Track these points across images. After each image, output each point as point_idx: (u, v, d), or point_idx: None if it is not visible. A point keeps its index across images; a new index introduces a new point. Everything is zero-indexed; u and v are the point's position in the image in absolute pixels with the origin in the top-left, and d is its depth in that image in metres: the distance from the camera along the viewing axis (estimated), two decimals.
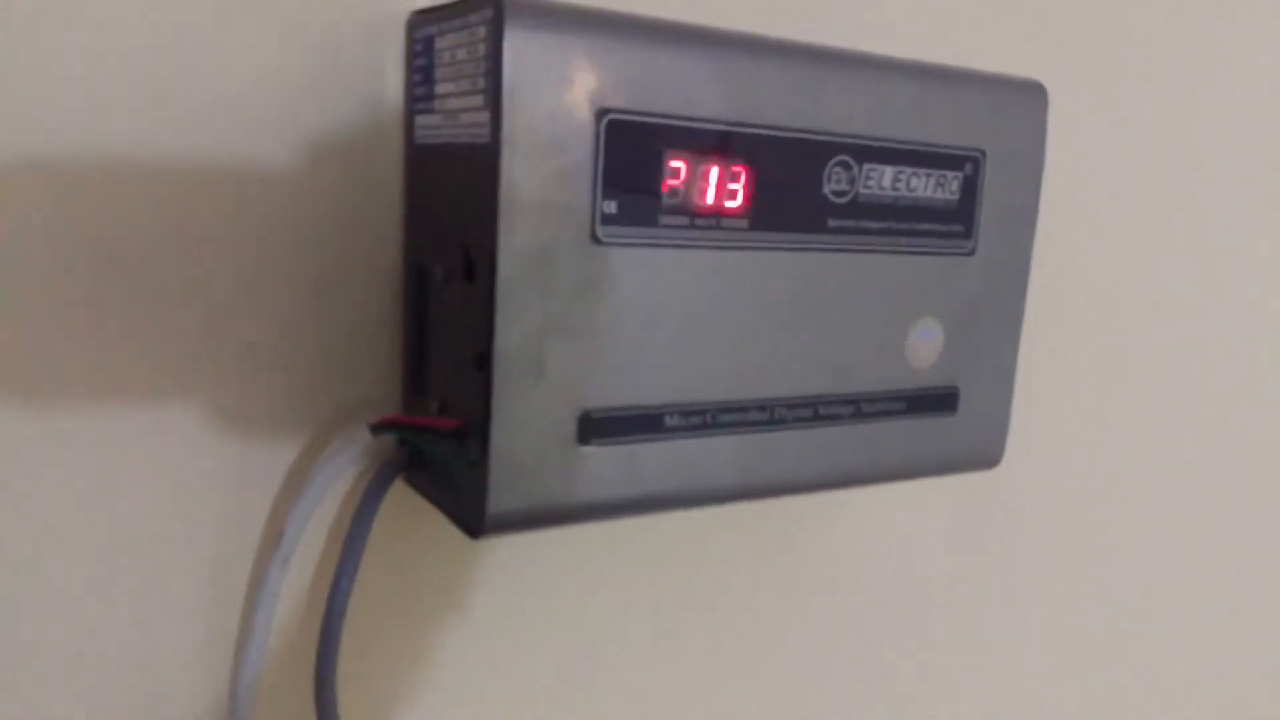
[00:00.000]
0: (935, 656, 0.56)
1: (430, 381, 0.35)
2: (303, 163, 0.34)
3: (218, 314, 0.34)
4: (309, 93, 0.34)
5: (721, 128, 0.33)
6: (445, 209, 0.33)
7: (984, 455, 0.43)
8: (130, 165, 0.32)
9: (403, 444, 0.36)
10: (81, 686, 0.34)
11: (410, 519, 0.38)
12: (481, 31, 0.30)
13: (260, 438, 0.35)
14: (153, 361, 0.33)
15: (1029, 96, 0.41)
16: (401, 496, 0.37)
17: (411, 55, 0.35)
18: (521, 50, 0.29)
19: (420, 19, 0.34)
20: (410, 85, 0.35)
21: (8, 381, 0.31)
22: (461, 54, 0.31)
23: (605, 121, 0.31)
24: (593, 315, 0.32)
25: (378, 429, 0.34)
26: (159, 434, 0.34)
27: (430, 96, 0.33)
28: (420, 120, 0.34)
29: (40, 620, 0.33)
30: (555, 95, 0.30)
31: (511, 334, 0.31)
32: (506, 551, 0.40)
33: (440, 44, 0.32)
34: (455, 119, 0.32)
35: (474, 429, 0.32)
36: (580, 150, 0.31)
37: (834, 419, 0.38)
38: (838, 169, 0.36)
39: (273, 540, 0.35)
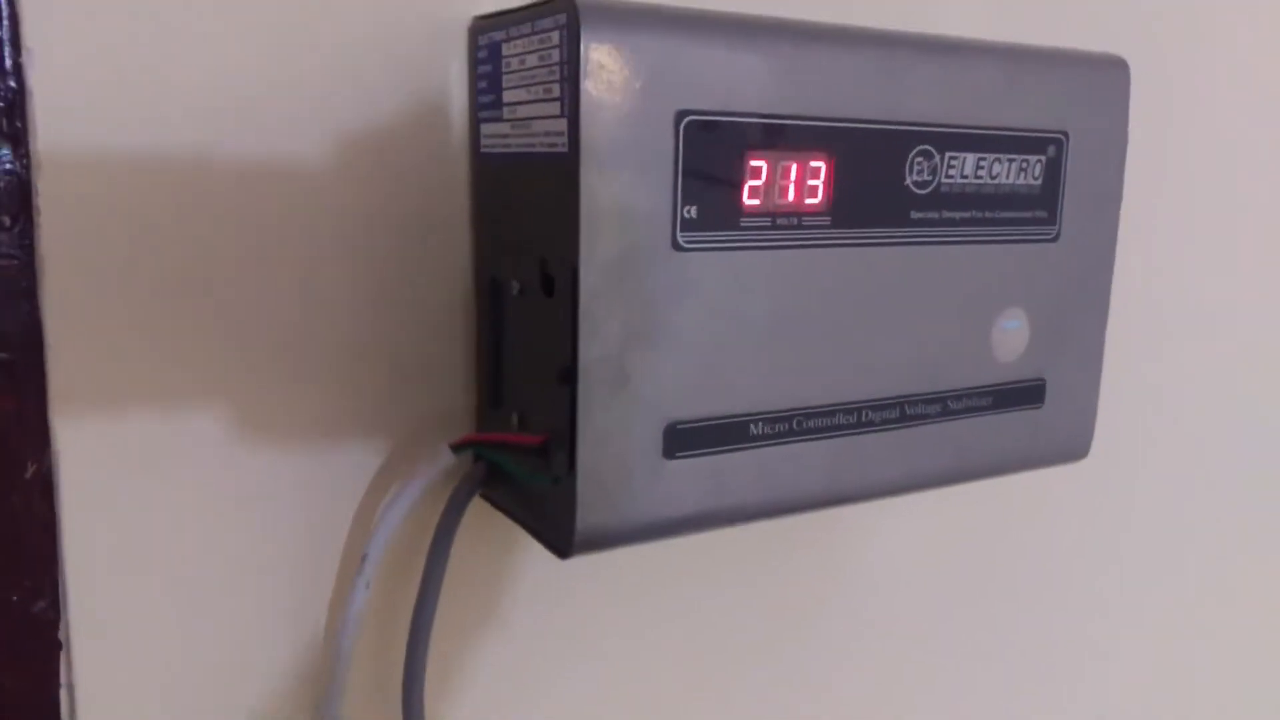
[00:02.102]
0: (992, 666, 0.55)
1: (507, 395, 0.34)
2: (366, 176, 0.33)
3: (288, 331, 0.33)
4: (371, 103, 0.33)
5: (801, 123, 0.32)
6: (519, 221, 0.32)
7: (1071, 448, 0.42)
8: (196, 180, 0.31)
9: (479, 459, 0.35)
10: (167, 701, 0.34)
11: (488, 534, 0.37)
12: (555, 37, 0.29)
13: (334, 453, 0.35)
14: (229, 382, 0.33)
15: (1111, 73, 0.39)
16: (478, 509, 0.36)
17: (476, 62, 0.34)
18: (598, 55, 0.28)
19: (484, 24, 0.33)
20: (475, 93, 0.34)
21: (102, 402, 0.31)
22: (532, 60, 0.30)
23: (685, 124, 0.30)
24: (675, 323, 0.31)
25: (459, 448, 0.33)
26: (233, 452, 0.33)
27: (498, 104, 0.32)
28: (487, 129, 0.33)
29: (132, 634, 0.33)
30: (634, 100, 0.29)
31: (595, 347, 0.30)
32: (589, 565, 0.40)
33: (508, 50, 0.31)
34: (527, 128, 0.31)
35: (558, 444, 0.31)
36: (660, 155, 0.30)
37: (921, 418, 0.37)
38: (920, 159, 0.35)
39: (354, 562, 0.35)
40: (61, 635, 0.35)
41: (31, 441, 0.34)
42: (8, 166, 0.32)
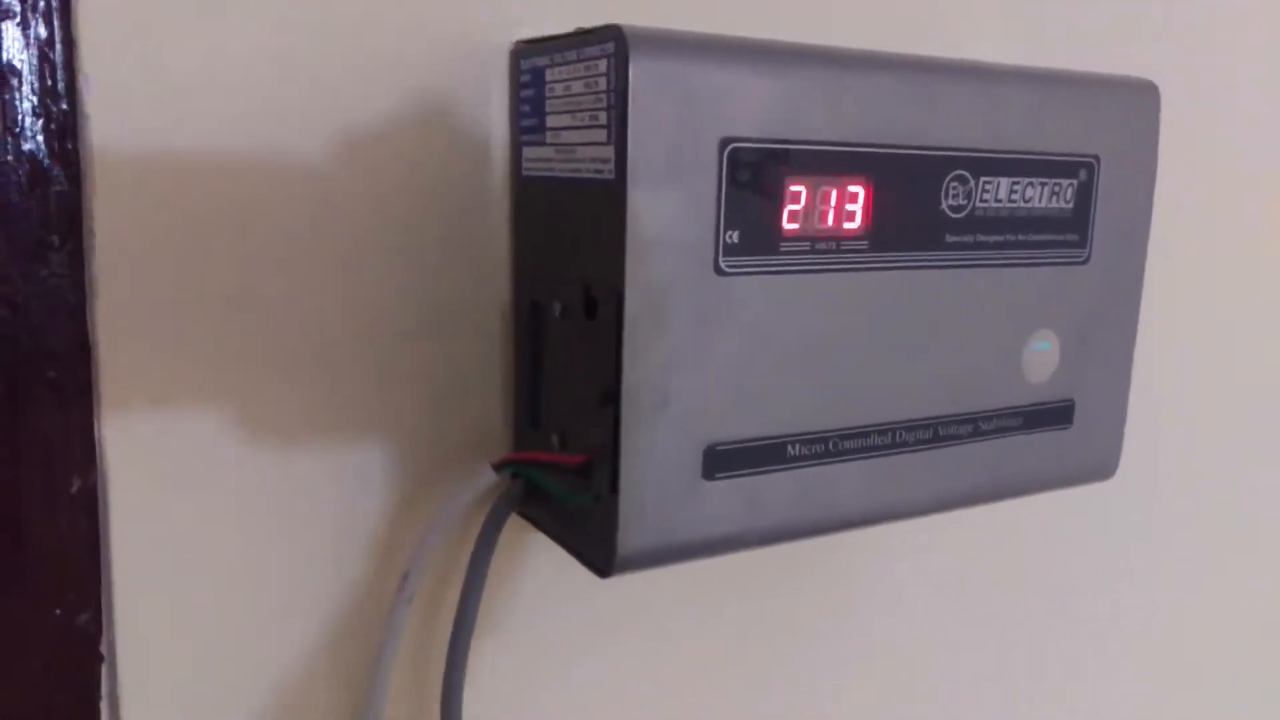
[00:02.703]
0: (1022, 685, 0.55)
1: (546, 414, 0.35)
2: (404, 196, 0.34)
3: (331, 351, 0.34)
4: (412, 124, 0.33)
5: (840, 148, 0.32)
6: (562, 244, 0.33)
7: (1099, 467, 0.42)
8: (244, 202, 0.32)
9: (516, 477, 0.36)
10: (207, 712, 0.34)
11: (524, 549, 0.38)
12: (602, 65, 0.29)
13: (373, 468, 0.35)
14: (271, 399, 0.33)
15: (1141, 97, 0.40)
16: (512, 525, 0.37)
17: (518, 85, 0.34)
18: (646, 84, 0.29)
19: (528, 49, 0.33)
20: (516, 116, 0.34)
21: (149, 418, 0.31)
22: (578, 87, 0.30)
23: (728, 151, 0.30)
24: (716, 346, 0.32)
25: (502, 467, 0.33)
26: (275, 468, 0.33)
27: (540, 129, 0.33)
28: (529, 152, 0.34)
29: (175, 646, 0.33)
30: (680, 128, 0.29)
31: (638, 370, 0.30)
32: (624, 581, 0.40)
33: (552, 75, 0.32)
34: (571, 153, 0.31)
35: (599, 464, 0.32)
36: (704, 181, 0.30)
37: (953, 439, 0.37)
38: (955, 183, 0.35)
39: (393, 575, 0.35)
40: (103, 648, 0.36)
41: (77, 457, 0.34)
42: (59, 187, 0.32)
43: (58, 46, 0.32)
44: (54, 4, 0.31)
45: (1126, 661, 0.59)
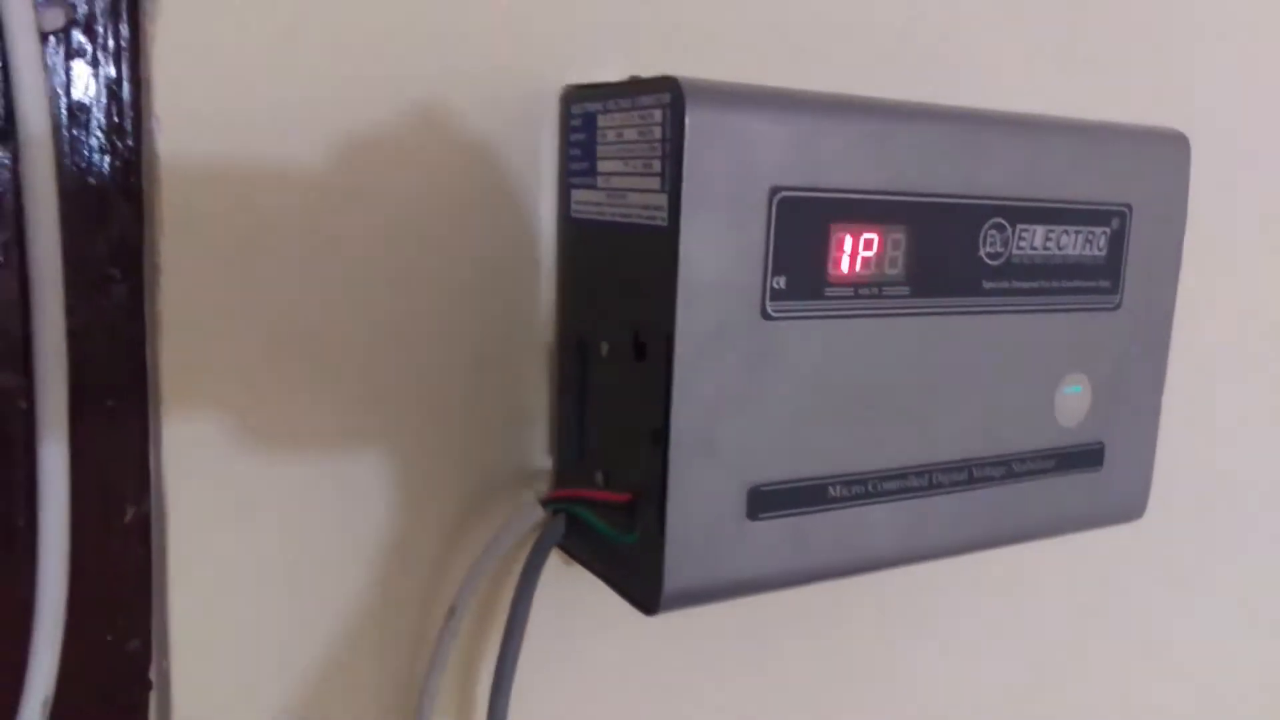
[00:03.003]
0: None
1: (591, 451, 0.35)
2: (452, 232, 0.35)
3: (380, 385, 0.34)
4: (462, 163, 0.34)
5: (884, 197, 0.33)
6: (611, 286, 0.33)
7: (1128, 508, 0.43)
8: (305, 242, 0.33)
9: (559, 512, 0.36)
10: None
11: (567, 582, 0.38)
12: (657, 115, 0.30)
13: (420, 501, 0.36)
14: (323, 433, 0.34)
15: (1172, 148, 0.41)
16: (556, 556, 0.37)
17: (568, 129, 0.35)
18: (701, 135, 0.29)
19: (579, 93, 0.34)
20: (566, 159, 0.35)
21: (209, 451, 0.32)
22: (631, 134, 0.31)
23: (777, 199, 0.31)
24: (762, 389, 0.32)
25: (550, 504, 0.34)
26: (325, 500, 0.34)
27: (591, 172, 0.34)
28: (579, 195, 0.35)
29: (227, 672, 0.34)
30: (732, 178, 0.30)
31: (686, 412, 0.31)
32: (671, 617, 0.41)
33: (604, 122, 0.33)
34: (622, 198, 0.32)
35: (646, 502, 0.32)
36: (754, 229, 0.31)
37: (987, 480, 0.38)
38: (993, 231, 0.36)
39: (438, 606, 0.36)
40: (152, 675, 0.36)
41: (132, 487, 0.35)
42: (123, 223, 0.33)
43: (125, 86, 0.33)
44: (124, 45, 0.32)
45: (1166, 690, 0.60)
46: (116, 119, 0.33)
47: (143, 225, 0.33)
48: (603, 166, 0.33)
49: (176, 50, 0.30)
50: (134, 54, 0.32)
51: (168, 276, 0.31)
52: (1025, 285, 0.37)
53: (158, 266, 0.31)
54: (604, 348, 0.34)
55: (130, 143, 0.33)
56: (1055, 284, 0.38)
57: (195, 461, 0.32)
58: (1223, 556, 0.59)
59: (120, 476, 0.35)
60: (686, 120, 0.29)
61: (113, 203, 0.33)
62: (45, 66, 0.29)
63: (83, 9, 0.31)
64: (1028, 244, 0.37)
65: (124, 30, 0.32)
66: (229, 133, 0.31)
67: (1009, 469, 0.39)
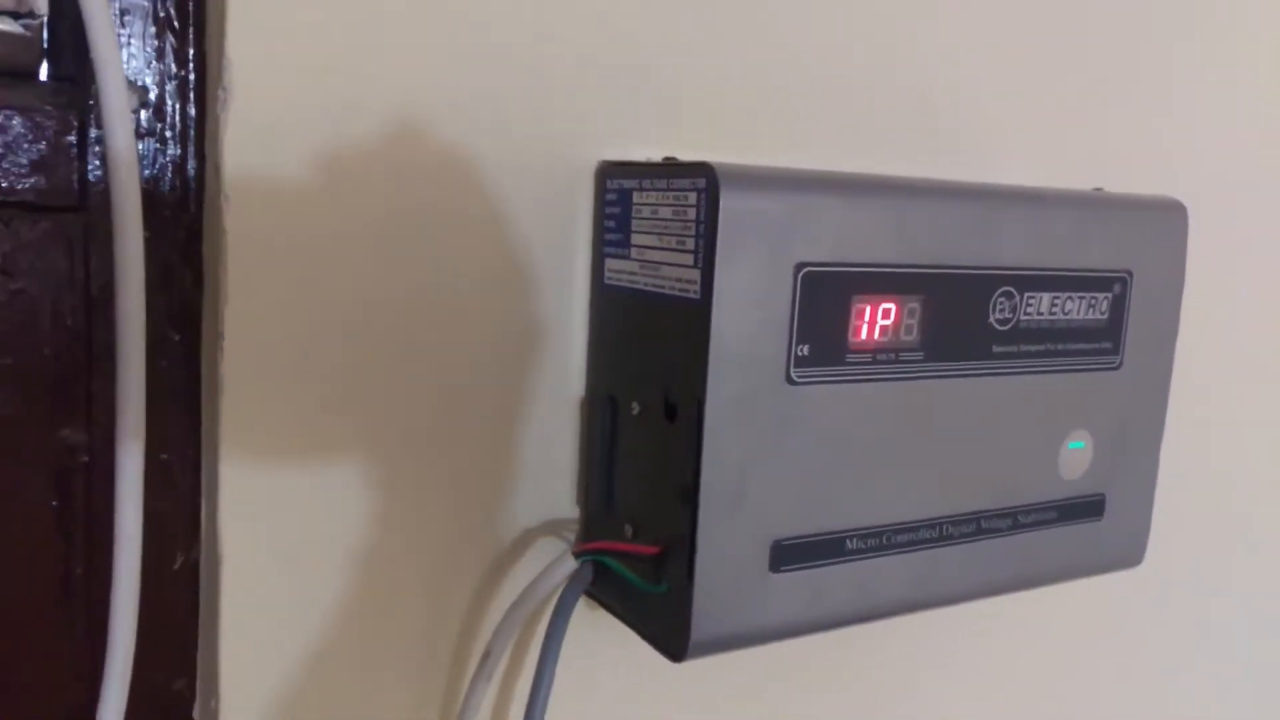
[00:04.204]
0: None
1: (620, 503, 0.37)
2: (490, 291, 0.37)
3: (421, 439, 0.36)
4: (500, 227, 0.36)
5: (901, 270, 0.35)
6: (642, 350, 0.35)
7: (1127, 556, 0.45)
8: (355, 308, 0.35)
9: (587, 561, 0.38)
10: None
11: (595, 628, 0.40)
12: (692, 198, 0.32)
13: (456, 551, 0.38)
14: (367, 487, 0.36)
15: (1170, 216, 0.43)
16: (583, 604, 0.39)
17: (603, 202, 0.37)
18: (733, 217, 0.32)
19: (615, 170, 0.36)
20: (600, 229, 0.37)
21: (261, 503, 0.34)
22: (666, 212, 0.33)
23: (802, 274, 0.33)
24: (786, 449, 0.34)
25: (583, 555, 0.36)
26: (364, 551, 0.36)
27: (625, 244, 0.36)
28: (612, 264, 0.37)
29: (274, 712, 0.36)
30: (761, 255, 0.32)
31: (715, 471, 0.33)
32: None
33: (639, 199, 0.35)
34: (656, 270, 0.34)
35: (674, 555, 0.34)
36: (780, 302, 0.33)
37: (994, 532, 0.40)
38: (1002, 299, 0.38)
39: (471, 652, 0.38)
40: (195, 713, 0.38)
41: (183, 535, 0.37)
42: (185, 287, 0.35)
43: (190, 163, 0.35)
44: (191, 126, 0.34)
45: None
46: (181, 193, 0.35)
47: (202, 291, 0.35)
48: (637, 240, 0.35)
49: (244, 128, 0.32)
50: (200, 133, 0.34)
51: (230, 341, 0.33)
52: (1032, 348, 0.39)
53: (221, 333, 0.33)
54: (634, 407, 0.36)
55: (193, 213, 0.35)
56: (1060, 346, 0.40)
57: (250, 511, 0.34)
58: (1220, 599, 0.61)
59: (173, 526, 0.37)
60: (720, 204, 0.31)
61: (176, 270, 0.35)
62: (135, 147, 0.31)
63: (154, 92, 0.34)
64: (1034, 310, 0.39)
65: (192, 111, 0.34)
66: (289, 207, 0.33)
67: (1015, 520, 0.41)
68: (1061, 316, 0.40)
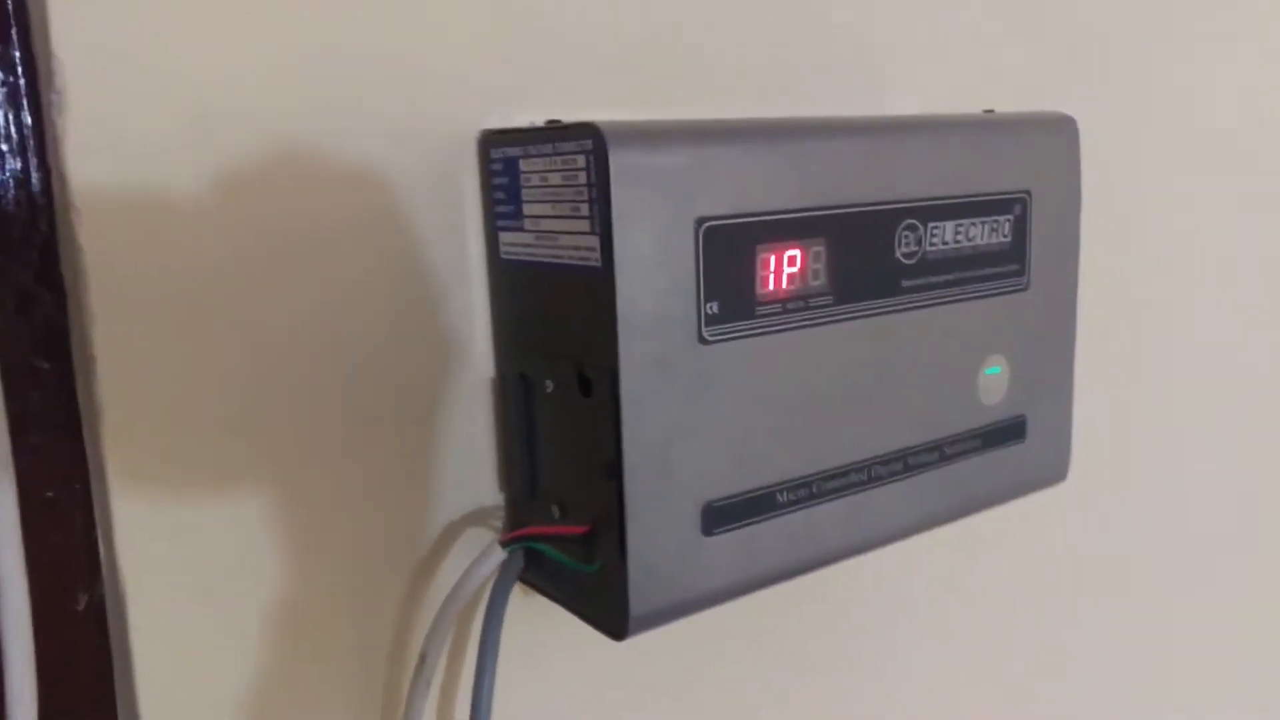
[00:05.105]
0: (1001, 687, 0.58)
1: (544, 485, 0.36)
2: (380, 278, 0.35)
3: (331, 446, 0.34)
4: (382, 208, 0.34)
5: (802, 214, 0.35)
6: (549, 325, 0.34)
7: (1052, 473, 0.45)
8: (238, 314, 0.32)
9: (516, 549, 0.37)
10: None
11: (531, 615, 0.39)
12: (580, 160, 0.31)
13: (375, 553, 0.36)
14: (274, 502, 0.34)
15: (1062, 131, 0.43)
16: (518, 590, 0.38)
17: (489, 173, 0.35)
18: (626, 177, 0.30)
19: (498, 139, 0.35)
20: (490, 202, 0.36)
21: (161, 532, 0.32)
22: (555, 178, 0.32)
23: (703, 229, 0.32)
24: (706, 411, 0.33)
25: (510, 544, 0.35)
26: (282, 567, 0.34)
27: (518, 215, 0.34)
28: (507, 237, 0.35)
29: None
30: (658, 214, 0.31)
31: (637, 442, 0.32)
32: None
33: (526, 166, 0.33)
34: (553, 240, 0.33)
35: (604, 533, 0.33)
36: (684, 260, 0.32)
37: (922, 467, 0.40)
38: (906, 232, 0.38)
39: (407, 659, 0.36)
40: None
41: (82, 574, 0.35)
42: (47, 314, 0.33)
43: (34, 176, 0.32)
44: (29, 135, 0.32)
45: (1098, 647, 0.63)
46: (29, 210, 0.32)
47: (67, 314, 0.32)
48: (529, 210, 0.34)
49: (88, 136, 0.29)
50: (40, 146, 0.32)
51: (103, 364, 0.30)
52: (940, 279, 0.39)
53: (92, 356, 0.30)
54: (548, 385, 0.34)
55: (45, 231, 0.32)
56: (967, 274, 0.40)
57: (151, 543, 0.32)
58: (1145, 506, 0.63)
59: (70, 565, 0.34)
60: (610, 164, 0.30)
61: (34, 294, 0.32)
62: None
63: None
64: (939, 240, 0.39)
65: (27, 120, 0.31)
66: (148, 212, 0.31)
67: (941, 452, 0.41)
68: (966, 243, 0.40)
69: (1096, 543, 0.62)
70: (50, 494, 0.34)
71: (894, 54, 0.46)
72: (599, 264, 0.31)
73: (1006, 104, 0.44)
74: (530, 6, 0.36)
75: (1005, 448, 0.43)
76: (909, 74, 0.47)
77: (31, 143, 0.32)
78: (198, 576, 0.33)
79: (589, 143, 0.30)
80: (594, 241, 0.31)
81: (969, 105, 0.46)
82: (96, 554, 0.34)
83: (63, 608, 0.34)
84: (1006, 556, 0.57)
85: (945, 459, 0.41)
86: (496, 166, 0.35)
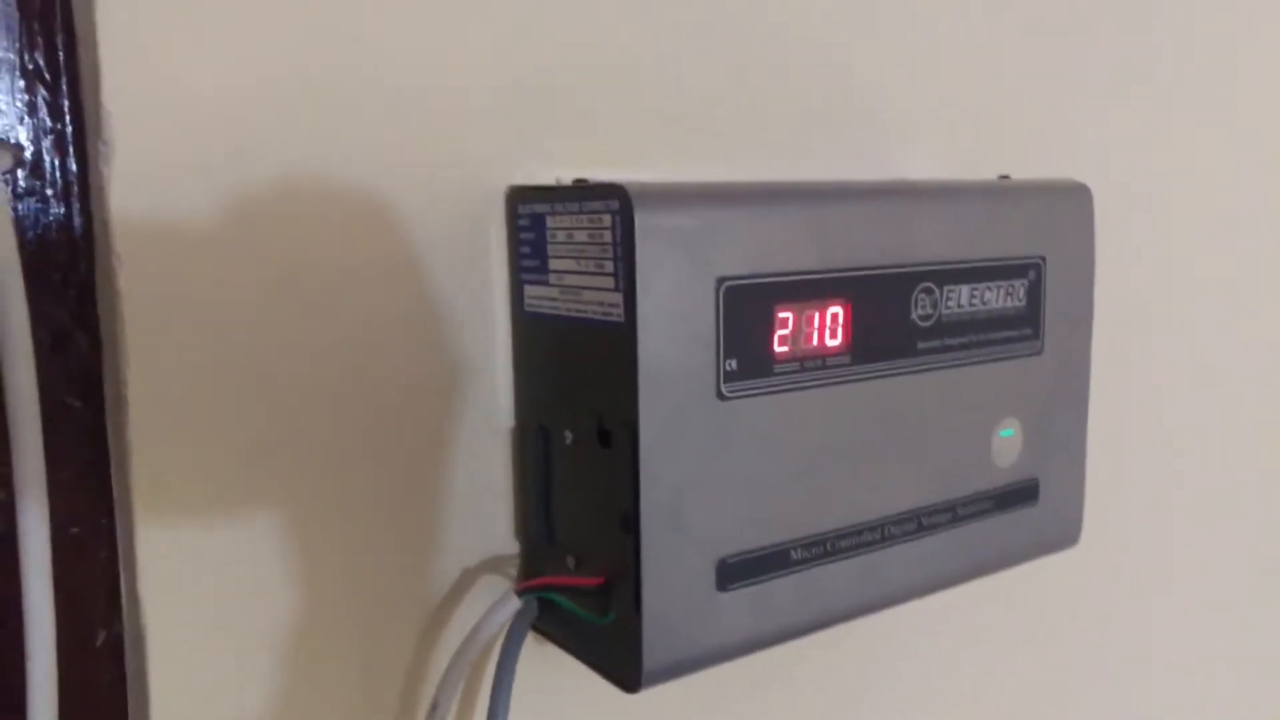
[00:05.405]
0: None
1: (560, 535, 0.36)
2: (406, 327, 0.35)
3: (346, 488, 0.35)
4: (411, 259, 0.35)
5: (820, 275, 0.35)
6: (570, 377, 0.35)
7: (1064, 537, 0.46)
8: (261, 362, 0.33)
9: (530, 599, 0.37)
10: None
11: (545, 664, 0.39)
12: (606, 219, 0.32)
13: (391, 599, 0.36)
14: (293, 544, 0.34)
15: (1076, 198, 0.44)
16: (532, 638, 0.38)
17: (516, 228, 0.36)
18: (649, 237, 0.31)
19: (525, 195, 0.36)
20: (516, 256, 0.36)
21: (182, 570, 0.32)
22: (581, 236, 0.33)
23: (724, 288, 0.33)
24: (723, 466, 0.34)
25: (526, 592, 0.35)
26: (300, 609, 0.35)
27: (543, 270, 0.35)
28: (532, 290, 0.36)
29: None
30: (681, 272, 0.32)
31: (654, 495, 0.32)
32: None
33: (553, 223, 0.34)
34: (577, 295, 0.33)
35: (620, 584, 0.33)
36: (704, 318, 0.33)
37: (935, 527, 0.40)
38: (922, 295, 0.38)
39: (417, 704, 0.36)
40: None
41: (102, 611, 0.35)
42: (81, 354, 0.33)
43: (76, 220, 0.33)
44: (74, 181, 0.33)
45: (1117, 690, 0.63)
46: (70, 254, 0.33)
47: (101, 354, 0.33)
48: (555, 265, 0.34)
49: (132, 184, 0.30)
50: (84, 193, 0.33)
51: (135, 404, 0.31)
52: (955, 341, 0.40)
53: (124, 397, 0.31)
54: (567, 436, 0.35)
55: (83, 274, 0.33)
56: (982, 337, 0.41)
57: (172, 579, 0.33)
58: (1154, 573, 0.63)
59: (90, 602, 0.35)
60: (636, 225, 0.31)
61: (70, 334, 0.33)
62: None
63: (30, 149, 0.32)
64: (955, 303, 0.39)
65: (73, 166, 0.32)
66: (187, 260, 0.31)
67: (954, 513, 0.41)
68: (981, 307, 0.40)
69: (1106, 603, 0.62)
70: (75, 530, 0.35)
71: (910, 118, 0.47)
72: (622, 319, 0.31)
73: (1021, 170, 0.45)
74: (562, 69, 0.37)
75: (1018, 510, 0.43)
76: (925, 138, 0.48)
77: (75, 189, 0.33)
78: (214, 613, 0.33)
79: (615, 203, 0.31)
80: (618, 298, 0.32)
81: (984, 171, 0.46)
82: (118, 591, 0.35)
83: (82, 644, 0.35)
84: (1016, 612, 0.57)
85: (958, 520, 0.41)
86: (524, 222, 0.36)
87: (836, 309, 0.36)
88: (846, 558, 0.37)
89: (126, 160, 0.30)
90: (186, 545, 0.33)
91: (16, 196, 0.32)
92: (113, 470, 0.34)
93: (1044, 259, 0.42)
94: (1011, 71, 0.51)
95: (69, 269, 0.33)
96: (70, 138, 0.33)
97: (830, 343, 0.36)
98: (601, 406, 0.33)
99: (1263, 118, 0.64)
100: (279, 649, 0.34)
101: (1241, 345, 0.65)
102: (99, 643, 0.35)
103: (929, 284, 0.38)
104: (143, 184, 0.30)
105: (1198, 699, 0.69)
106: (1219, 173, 0.62)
